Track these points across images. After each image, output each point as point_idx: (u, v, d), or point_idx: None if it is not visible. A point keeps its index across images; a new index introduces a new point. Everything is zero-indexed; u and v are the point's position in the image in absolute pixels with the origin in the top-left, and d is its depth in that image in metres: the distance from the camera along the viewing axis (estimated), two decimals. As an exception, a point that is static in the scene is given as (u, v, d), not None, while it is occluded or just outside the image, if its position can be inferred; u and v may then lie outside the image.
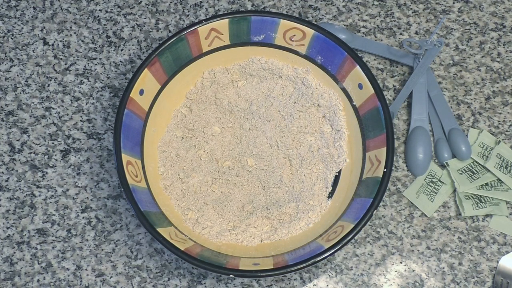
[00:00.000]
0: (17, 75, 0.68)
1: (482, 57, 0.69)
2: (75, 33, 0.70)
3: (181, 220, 0.59)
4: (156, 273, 0.61)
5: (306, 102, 0.63)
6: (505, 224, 0.62)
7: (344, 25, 0.70)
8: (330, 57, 0.61)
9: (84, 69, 0.69)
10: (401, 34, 0.70)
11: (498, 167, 0.63)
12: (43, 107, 0.67)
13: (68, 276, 0.60)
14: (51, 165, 0.64)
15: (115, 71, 0.69)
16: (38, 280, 0.60)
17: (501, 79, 0.68)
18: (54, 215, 0.63)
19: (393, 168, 0.62)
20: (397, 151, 0.65)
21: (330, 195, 0.61)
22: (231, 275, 0.52)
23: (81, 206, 0.63)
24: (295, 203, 0.60)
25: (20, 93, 0.67)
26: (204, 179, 0.61)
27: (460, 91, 0.68)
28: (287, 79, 0.64)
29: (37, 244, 0.62)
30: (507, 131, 0.66)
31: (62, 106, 0.67)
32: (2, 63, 0.69)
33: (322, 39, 0.61)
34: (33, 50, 0.69)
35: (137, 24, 0.71)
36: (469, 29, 0.70)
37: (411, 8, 0.71)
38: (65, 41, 0.70)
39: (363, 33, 0.70)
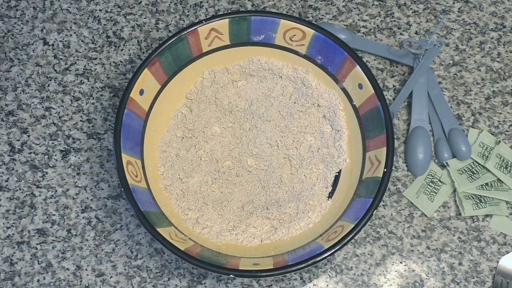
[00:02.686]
0: (17, 75, 0.68)
1: (482, 57, 0.69)
2: (75, 33, 0.70)
3: (181, 220, 0.59)
4: (156, 273, 0.61)
5: (306, 102, 0.63)
6: (505, 224, 0.62)
7: (344, 25, 0.70)
8: (330, 57, 0.61)
9: (84, 69, 0.69)
10: (401, 34, 0.70)
11: (498, 167, 0.63)
12: (43, 107, 0.67)
13: (68, 276, 0.60)
14: (51, 165, 0.64)
15: (115, 71, 0.69)
16: (38, 280, 0.60)
17: (501, 79, 0.68)
18: (54, 215, 0.63)
19: (393, 168, 0.62)
20: (397, 151, 0.65)
21: (330, 195, 0.61)
22: (231, 275, 0.52)
23: (81, 206, 0.63)
24: (295, 203, 0.60)
25: (20, 93, 0.67)
26: (204, 179, 0.61)
27: (460, 91, 0.68)
28: (287, 79, 0.64)
29: (37, 244, 0.62)
30: (507, 131, 0.66)
31: (62, 106, 0.67)
32: (2, 63, 0.69)
33: (322, 39, 0.61)
34: (33, 50, 0.69)
35: (137, 24, 0.71)
36: (469, 29, 0.70)
37: (411, 8, 0.71)
38: (65, 41, 0.70)
39: (363, 33, 0.70)
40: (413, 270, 0.61)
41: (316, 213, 0.60)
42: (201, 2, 0.72)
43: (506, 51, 0.69)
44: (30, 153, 0.65)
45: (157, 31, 0.70)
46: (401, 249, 0.61)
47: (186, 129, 0.63)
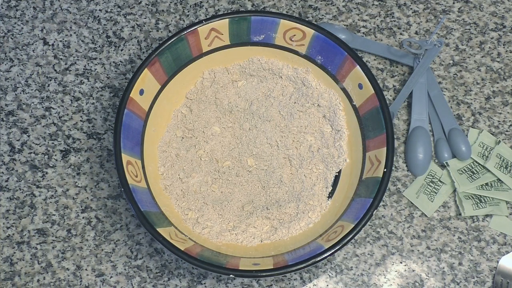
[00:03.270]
0: (17, 75, 0.68)
1: (482, 57, 0.69)
2: (75, 33, 0.70)
3: (181, 220, 0.59)
4: (156, 273, 0.61)
5: (306, 102, 0.63)
6: (505, 224, 0.62)
7: (344, 25, 0.70)
8: (330, 57, 0.61)
9: (84, 69, 0.69)
10: (401, 34, 0.70)
11: (498, 167, 0.63)
12: (43, 107, 0.67)
13: (68, 276, 0.60)
14: (51, 165, 0.64)
15: (115, 71, 0.69)
16: (38, 280, 0.60)
17: (501, 79, 0.68)
18: (54, 215, 0.63)
19: (393, 168, 0.62)
20: (397, 151, 0.65)
21: (330, 195, 0.61)
22: (231, 275, 0.52)
23: (81, 206, 0.63)
24: (295, 203, 0.60)
25: (20, 93, 0.67)
26: (204, 179, 0.61)
27: (460, 91, 0.68)
28: (287, 79, 0.64)
29: (37, 244, 0.62)
30: (507, 131, 0.66)
31: (62, 106, 0.67)
32: (2, 63, 0.69)
33: (322, 39, 0.61)
34: (33, 50, 0.69)
35: (137, 24, 0.71)
36: (469, 29, 0.70)
37: (411, 8, 0.71)
38: (65, 41, 0.70)
39: (363, 33, 0.70)
40: (413, 270, 0.61)
41: (316, 213, 0.60)
42: (201, 2, 0.72)
43: (506, 51, 0.69)
44: (30, 153, 0.65)
45: (157, 31, 0.70)
46: (401, 249, 0.61)
47: (186, 129, 0.63)
